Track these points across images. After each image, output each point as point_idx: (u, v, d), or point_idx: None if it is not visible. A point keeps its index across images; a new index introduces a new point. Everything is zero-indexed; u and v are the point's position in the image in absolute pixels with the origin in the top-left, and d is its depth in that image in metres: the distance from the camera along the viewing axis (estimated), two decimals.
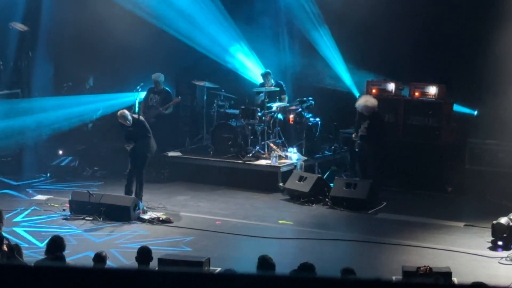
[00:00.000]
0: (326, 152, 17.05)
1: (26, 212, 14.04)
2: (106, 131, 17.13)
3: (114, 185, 15.30)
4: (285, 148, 16.48)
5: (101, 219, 13.56)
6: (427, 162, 15.63)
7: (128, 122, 14.10)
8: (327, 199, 14.86)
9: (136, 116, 14.51)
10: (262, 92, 16.62)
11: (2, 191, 15.34)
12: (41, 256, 9.96)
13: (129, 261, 11.11)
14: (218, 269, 10.50)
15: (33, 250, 11.65)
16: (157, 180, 16.37)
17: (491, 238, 12.62)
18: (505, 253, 12.18)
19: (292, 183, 15.27)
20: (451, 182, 15.61)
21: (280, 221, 13.96)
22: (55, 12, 17.77)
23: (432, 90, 15.95)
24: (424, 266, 9.67)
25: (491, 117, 15.81)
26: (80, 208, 13.83)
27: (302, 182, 15.14)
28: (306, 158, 16.40)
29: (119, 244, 12.54)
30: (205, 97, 17.35)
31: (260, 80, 17.05)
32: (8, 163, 16.75)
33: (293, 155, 16.32)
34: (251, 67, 17.84)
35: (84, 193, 13.99)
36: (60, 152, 16.94)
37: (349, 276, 7.91)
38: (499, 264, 11.89)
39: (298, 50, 17.73)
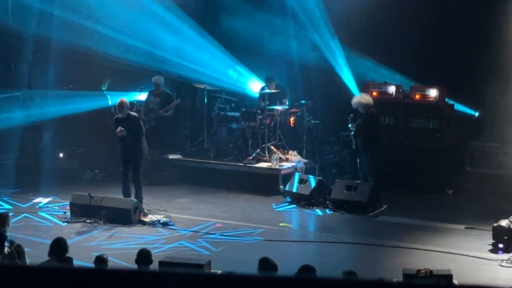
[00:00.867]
0: (326, 154, 17.05)
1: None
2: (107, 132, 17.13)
3: (114, 188, 15.29)
4: (285, 151, 16.49)
5: (102, 221, 13.56)
6: (428, 165, 15.63)
7: (124, 111, 14.06)
8: (327, 202, 14.86)
9: (133, 113, 14.47)
10: (264, 95, 16.61)
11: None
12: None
13: (130, 264, 11.11)
14: (219, 272, 10.49)
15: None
16: (158, 182, 16.38)
17: (491, 241, 12.62)
18: (505, 256, 12.17)
19: (293, 186, 15.27)
20: (452, 184, 15.62)
21: (281, 224, 13.96)
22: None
23: (433, 92, 15.96)
24: (425, 268, 9.67)
25: (492, 120, 15.81)
26: (81, 211, 13.83)
27: (302, 185, 15.15)
28: (306, 160, 16.41)
29: (119, 246, 12.54)
30: (205, 100, 17.35)
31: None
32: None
33: (294, 158, 16.33)
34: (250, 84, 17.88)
35: (85, 196, 13.98)
36: (61, 155, 16.93)
37: (351, 277, 7.91)
38: (499, 267, 11.88)
39: (299, 50, 17.72)
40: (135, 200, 14.01)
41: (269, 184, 15.80)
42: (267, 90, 16.67)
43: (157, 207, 14.49)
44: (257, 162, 16.21)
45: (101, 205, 13.73)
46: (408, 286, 4.77)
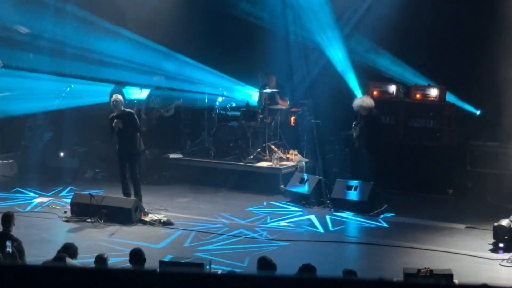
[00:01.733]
0: (327, 153, 17.04)
1: None
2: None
3: (115, 187, 15.29)
4: (286, 150, 16.49)
5: (102, 221, 13.56)
6: (428, 164, 15.63)
7: (119, 108, 14.03)
8: (328, 201, 14.87)
9: (128, 109, 14.45)
10: (264, 94, 16.62)
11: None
12: None
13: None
14: (220, 271, 10.51)
15: None
16: (158, 182, 16.39)
17: (492, 240, 12.63)
18: (506, 255, 12.17)
19: (294, 185, 15.28)
20: (452, 184, 15.62)
21: (282, 223, 13.96)
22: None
23: (433, 92, 15.96)
24: (425, 268, 9.67)
25: (493, 119, 15.82)
26: (82, 210, 13.83)
27: (303, 184, 15.15)
28: (307, 160, 16.41)
29: (119, 245, 12.53)
30: (206, 99, 17.34)
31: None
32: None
33: (295, 157, 16.33)
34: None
35: (85, 195, 13.99)
36: (62, 154, 16.94)
37: (351, 277, 7.92)
38: (500, 266, 11.88)
39: (301, 51, 17.71)
40: (136, 199, 14.01)
41: (270, 184, 15.80)
42: (268, 90, 16.65)
43: (158, 207, 14.48)
44: (258, 162, 16.21)
45: (102, 204, 13.74)
46: (409, 286, 4.77)
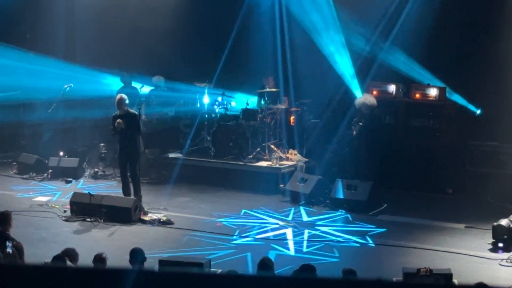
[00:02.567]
0: (326, 153, 17.04)
1: None
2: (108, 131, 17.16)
3: (115, 187, 15.31)
4: (285, 150, 16.49)
5: (102, 220, 13.56)
6: (428, 164, 15.64)
7: (123, 108, 14.05)
8: (327, 201, 14.87)
9: (132, 110, 14.48)
10: (263, 94, 16.62)
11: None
12: None
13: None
14: (219, 271, 10.50)
15: None
16: (158, 181, 16.39)
17: (491, 240, 12.63)
18: (505, 255, 12.18)
19: (293, 185, 15.28)
20: (452, 183, 15.63)
21: (281, 223, 13.95)
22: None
23: (433, 91, 15.97)
24: (425, 267, 9.68)
25: (492, 119, 15.82)
26: (81, 209, 13.83)
27: (303, 184, 15.15)
28: (307, 159, 16.41)
29: (119, 245, 12.54)
30: (206, 98, 17.33)
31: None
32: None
33: (294, 157, 16.33)
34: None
35: (85, 195, 13.99)
36: (61, 153, 16.95)
37: (351, 277, 7.92)
38: (499, 266, 11.89)
39: (300, 52, 17.71)
40: (135, 198, 14.01)
41: (269, 183, 15.80)
42: (267, 89, 16.66)
43: (157, 206, 14.48)
44: (257, 161, 16.22)
45: (101, 203, 13.74)
46: (408, 285, 4.77)
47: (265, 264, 9.24)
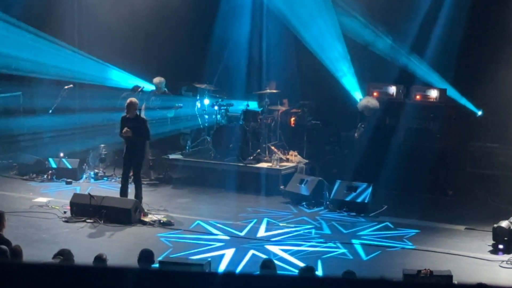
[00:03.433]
0: (327, 154, 17.05)
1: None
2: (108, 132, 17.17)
3: (115, 188, 15.29)
4: (286, 151, 16.49)
5: (102, 221, 13.56)
6: (428, 166, 15.62)
7: (133, 112, 14.08)
8: (328, 202, 14.86)
9: (143, 116, 14.53)
10: (263, 95, 16.62)
11: None
12: None
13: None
14: (219, 272, 10.48)
15: None
16: (158, 182, 16.39)
17: (492, 242, 12.63)
18: (506, 257, 12.18)
19: (293, 186, 15.27)
20: (452, 185, 15.62)
21: (281, 224, 13.95)
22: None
23: (433, 93, 15.97)
24: (425, 269, 9.68)
25: (493, 120, 15.82)
26: (81, 210, 13.83)
27: (303, 185, 15.15)
28: (307, 161, 16.41)
29: (119, 246, 12.54)
30: (207, 99, 17.33)
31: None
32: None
33: (294, 158, 16.32)
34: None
35: (85, 196, 13.98)
36: (61, 154, 16.95)
37: (351, 276, 7.91)
38: (500, 268, 11.88)
39: (299, 52, 17.70)
40: (136, 200, 14.00)
41: (269, 184, 15.79)
42: (268, 90, 16.66)
43: (157, 207, 14.48)
44: (258, 162, 16.21)
45: (101, 204, 13.73)
46: (408, 286, 4.77)
47: (266, 266, 9.24)
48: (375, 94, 16.14)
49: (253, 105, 17.18)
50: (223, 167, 16.38)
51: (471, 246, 12.80)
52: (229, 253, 12.25)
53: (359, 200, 14.62)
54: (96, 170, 16.87)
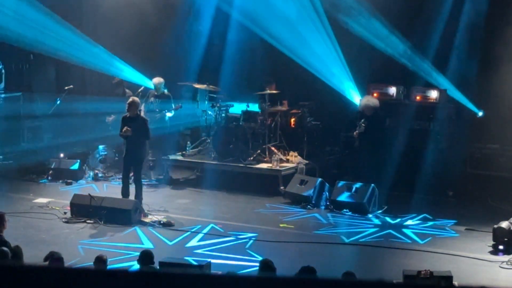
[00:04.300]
0: (327, 155, 17.04)
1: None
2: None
3: (115, 189, 15.30)
4: (286, 152, 16.49)
5: (102, 222, 13.56)
6: (428, 166, 15.62)
7: (134, 111, 14.08)
8: (328, 203, 14.87)
9: (143, 115, 14.54)
10: (264, 96, 16.62)
11: None
12: None
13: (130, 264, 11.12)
14: (219, 273, 10.49)
15: None
16: (158, 183, 16.39)
17: (492, 242, 12.63)
18: (506, 257, 12.18)
19: (293, 187, 15.28)
20: (452, 186, 15.61)
21: (281, 225, 13.95)
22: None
23: (433, 94, 15.97)
24: (425, 270, 9.68)
25: (493, 121, 15.81)
26: (81, 211, 13.83)
27: (303, 186, 15.15)
28: (307, 161, 16.41)
29: (119, 247, 12.54)
30: (206, 100, 17.34)
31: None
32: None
33: (294, 159, 16.32)
34: None
35: (85, 196, 13.99)
36: (61, 155, 16.96)
37: (351, 278, 7.91)
38: (500, 269, 11.88)
39: (298, 53, 17.68)
40: (136, 200, 14.01)
41: (269, 185, 15.79)
42: (268, 91, 16.66)
43: (158, 208, 14.48)
44: (258, 163, 16.21)
45: (102, 205, 13.73)
46: (408, 287, 4.77)
47: (267, 266, 9.24)
48: (375, 95, 16.14)
49: (253, 106, 17.18)
50: (223, 168, 16.38)
51: (471, 246, 12.80)
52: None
53: (359, 200, 14.62)
54: (96, 171, 16.87)
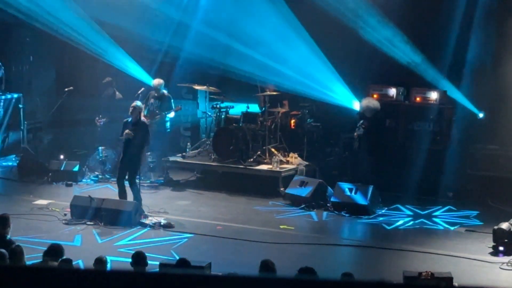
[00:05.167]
0: (327, 156, 17.04)
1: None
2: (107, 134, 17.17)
3: (115, 190, 15.29)
4: (286, 153, 16.49)
5: (102, 223, 13.56)
6: (428, 167, 15.62)
7: (136, 115, 14.09)
8: (328, 204, 14.86)
9: (144, 120, 14.54)
10: (263, 97, 16.63)
11: None
12: None
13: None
14: (220, 273, 10.48)
15: None
16: (158, 184, 16.39)
17: (492, 244, 12.62)
18: (506, 259, 12.17)
19: (293, 188, 15.27)
20: (452, 187, 15.61)
21: (281, 226, 13.95)
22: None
23: (433, 95, 15.97)
24: (426, 271, 9.68)
25: (493, 122, 15.81)
26: (81, 213, 13.83)
27: (303, 187, 15.14)
28: (307, 163, 16.41)
29: (119, 249, 12.54)
30: (206, 102, 17.35)
31: None
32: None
33: (294, 160, 16.32)
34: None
35: (85, 198, 13.99)
36: (61, 156, 16.96)
37: (351, 279, 7.91)
38: (500, 270, 11.88)
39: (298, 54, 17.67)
40: (136, 202, 14.00)
41: (269, 186, 15.79)
42: (268, 92, 16.67)
43: (158, 209, 14.48)
44: (258, 164, 16.21)
45: (102, 207, 13.73)
46: (407, 287, 4.77)
47: (267, 266, 9.24)
48: (375, 96, 16.15)
49: (254, 107, 17.18)
50: (223, 169, 16.38)
51: (471, 248, 12.80)
52: None
53: (359, 202, 14.62)
54: (96, 173, 16.88)
